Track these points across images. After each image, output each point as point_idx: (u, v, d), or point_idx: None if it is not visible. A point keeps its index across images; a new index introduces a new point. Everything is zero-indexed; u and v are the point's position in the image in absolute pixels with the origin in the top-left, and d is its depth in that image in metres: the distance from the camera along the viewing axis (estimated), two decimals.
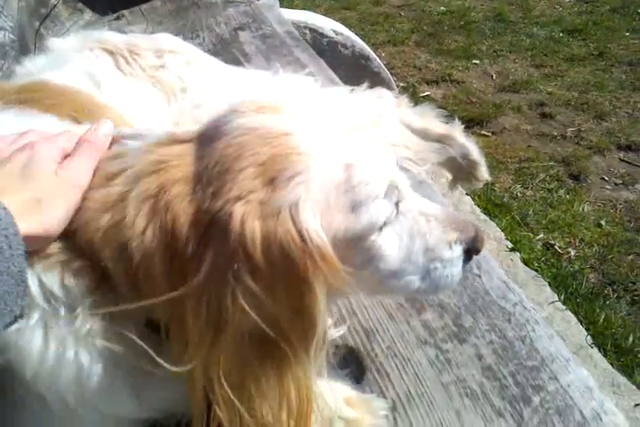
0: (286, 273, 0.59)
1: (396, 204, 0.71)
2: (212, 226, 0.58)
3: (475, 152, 1.50)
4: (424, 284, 0.76)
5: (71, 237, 0.66)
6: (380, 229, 0.68)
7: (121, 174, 0.65)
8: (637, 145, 3.10)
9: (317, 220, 0.61)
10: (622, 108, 3.43)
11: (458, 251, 0.77)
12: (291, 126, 0.63)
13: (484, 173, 1.50)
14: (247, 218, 0.57)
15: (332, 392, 0.81)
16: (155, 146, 0.67)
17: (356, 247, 0.67)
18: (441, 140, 1.51)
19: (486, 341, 0.98)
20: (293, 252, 0.58)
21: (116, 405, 0.71)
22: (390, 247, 0.71)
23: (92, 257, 0.66)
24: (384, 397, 0.91)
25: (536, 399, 0.90)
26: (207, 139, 0.65)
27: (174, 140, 0.67)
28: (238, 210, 0.57)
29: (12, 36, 1.73)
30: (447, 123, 1.55)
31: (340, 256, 0.63)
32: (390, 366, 0.95)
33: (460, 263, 0.78)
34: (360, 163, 0.65)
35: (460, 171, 1.51)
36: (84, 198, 0.66)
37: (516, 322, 1.02)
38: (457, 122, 1.54)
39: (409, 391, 0.91)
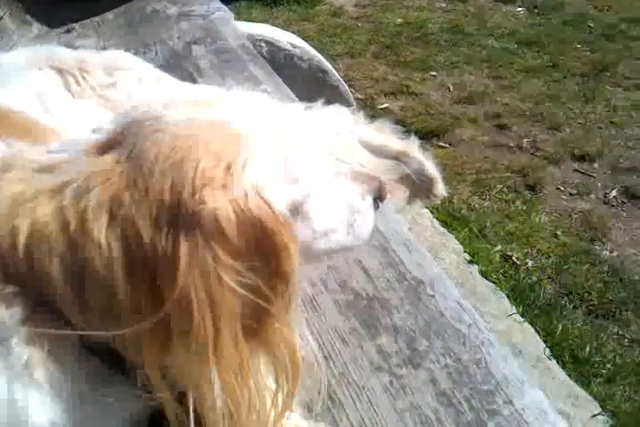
0: (264, 245, 0.64)
1: None
2: (179, 219, 0.60)
3: (431, 169, 1.50)
4: (349, 237, 0.84)
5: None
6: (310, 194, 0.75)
7: (63, 191, 0.63)
8: (591, 155, 3.16)
9: (275, 194, 0.67)
10: (575, 118, 3.50)
11: (369, 201, 0.86)
12: (226, 116, 0.69)
13: (440, 189, 1.51)
14: (218, 202, 0.61)
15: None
16: (85, 155, 0.66)
17: (297, 215, 0.73)
18: (398, 156, 1.51)
19: (441, 365, 0.97)
20: (269, 224, 0.64)
21: None
22: (319, 209, 0.76)
23: (28, 282, 0.64)
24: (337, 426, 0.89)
25: (491, 425, 0.89)
26: (136, 135, 0.66)
27: (101, 147, 0.67)
28: (208, 196, 0.61)
29: None
30: (404, 139, 1.55)
31: None
32: (344, 393, 0.93)
33: (372, 212, 0.87)
34: (291, 140, 0.72)
35: (417, 187, 1.51)
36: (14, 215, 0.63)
37: (471, 344, 1.01)
38: (414, 138, 1.55)
39: (363, 420, 0.90)
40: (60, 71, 1.26)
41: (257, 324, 0.66)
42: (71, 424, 0.66)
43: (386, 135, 1.55)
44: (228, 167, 0.63)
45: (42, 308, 0.64)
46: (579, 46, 4.34)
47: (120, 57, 1.41)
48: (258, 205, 0.64)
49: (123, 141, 0.66)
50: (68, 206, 0.62)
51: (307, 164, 0.73)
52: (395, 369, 0.96)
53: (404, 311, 1.06)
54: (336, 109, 1.56)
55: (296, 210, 0.72)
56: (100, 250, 0.60)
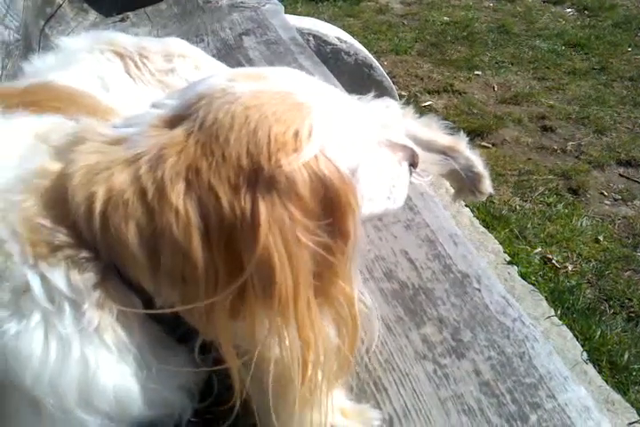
0: (332, 204, 0.68)
1: None
2: (257, 181, 0.64)
3: (479, 165, 1.50)
4: (389, 202, 0.88)
5: (72, 226, 0.67)
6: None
7: (138, 161, 0.66)
8: (637, 161, 3.11)
9: (338, 157, 0.70)
10: (623, 123, 3.44)
11: (405, 166, 0.91)
12: (288, 87, 0.73)
13: (487, 186, 1.50)
14: (292, 165, 0.65)
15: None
16: (153, 129, 0.69)
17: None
18: (446, 151, 1.51)
19: (484, 356, 0.98)
20: (337, 184, 0.68)
21: (123, 405, 0.70)
22: (368, 175, 0.80)
23: (100, 248, 0.67)
24: (381, 411, 0.90)
25: (533, 418, 0.89)
26: (206, 107, 0.69)
27: (169, 121, 0.70)
28: (283, 160, 0.64)
29: (16, 35, 1.73)
30: (452, 135, 1.55)
31: None
32: (388, 380, 0.94)
33: (407, 177, 0.92)
34: (343, 111, 0.76)
35: (464, 183, 1.51)
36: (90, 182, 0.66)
37: (515, 338, 1.01)
38: (462, 134, 1.55)
39: (406, 406, 0.90)
40: (120, 56, 1.29)
41: (320, 280, 0.69)
42: (133, 388, 0.69)
43: (434, 130, 1.55)
44: (296, 134, 0.67)
45: (111, 273, 0.67)
46: (629, 49, 4.27)
47: (178, 44, 1.44)
48: (327, 166, 0.68)
49: (191, 115, 0.69)
50: (144, 175, 0.64)
51: (357, 133, 0.77)
52: (439, 358, 0.97)
53: (449, 303, 1.06)
54: (385, 103, 1.57)
55: (352, 175, 0.75)
56: (178, 216, 0.63)
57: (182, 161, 0.64)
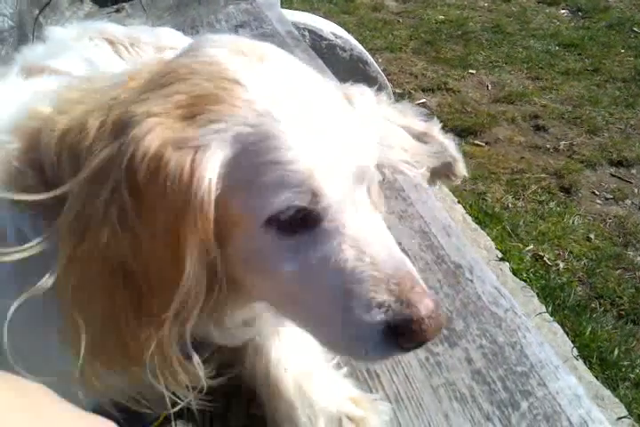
0: (165, 206, 0.57)
1: (315, 205, 0.61)
2: (120, 128, 0.59)
3: (453, 149, 1.51)
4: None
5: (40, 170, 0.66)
6: (287, 229, 0.61)
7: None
8: (629, 161, 3.12)
9: (218, 173, 0.59)
10: (615, 123, 3.46)
11: (375, 318, 0.59)
12: (240, 75, 0.63)
13: (461, 168, 1.52)
14: (150, 133, 0.57)
15: (336, 390, 0.85)
16: None
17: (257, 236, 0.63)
18: (420, 137, 1.51)
19: (476, 345, 0.98)
20: (177, 188, 0.56)
21: None
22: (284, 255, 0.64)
23: None
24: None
25: (524, 405, 0.89)
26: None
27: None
28: (146, 122, 0.58)
29: (10, 22, 1.71)
30: (426, 120, 1.56)
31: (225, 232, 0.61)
32: (381, 367, 0.94)
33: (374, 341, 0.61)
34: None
35: (439, 167, 1.52)
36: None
37: (507, 328, 1.01)
38: (435, 120, 1.56)
39: (398, 393, 0.90)
40: (111, 42, 1.28)
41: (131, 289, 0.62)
42: None
43: (408, 117, 1.56)
44: (193, 116, 0.62)
45: None
46: (622, 51, 4.29)
47: (170, 36, 1.43)
48: (180, 162, 0.59)
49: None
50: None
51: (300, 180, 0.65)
52: (431, 346, 0.97)
53: (442, 293, 1.06)
54: (360, 89, 1.55)
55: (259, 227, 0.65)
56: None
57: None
